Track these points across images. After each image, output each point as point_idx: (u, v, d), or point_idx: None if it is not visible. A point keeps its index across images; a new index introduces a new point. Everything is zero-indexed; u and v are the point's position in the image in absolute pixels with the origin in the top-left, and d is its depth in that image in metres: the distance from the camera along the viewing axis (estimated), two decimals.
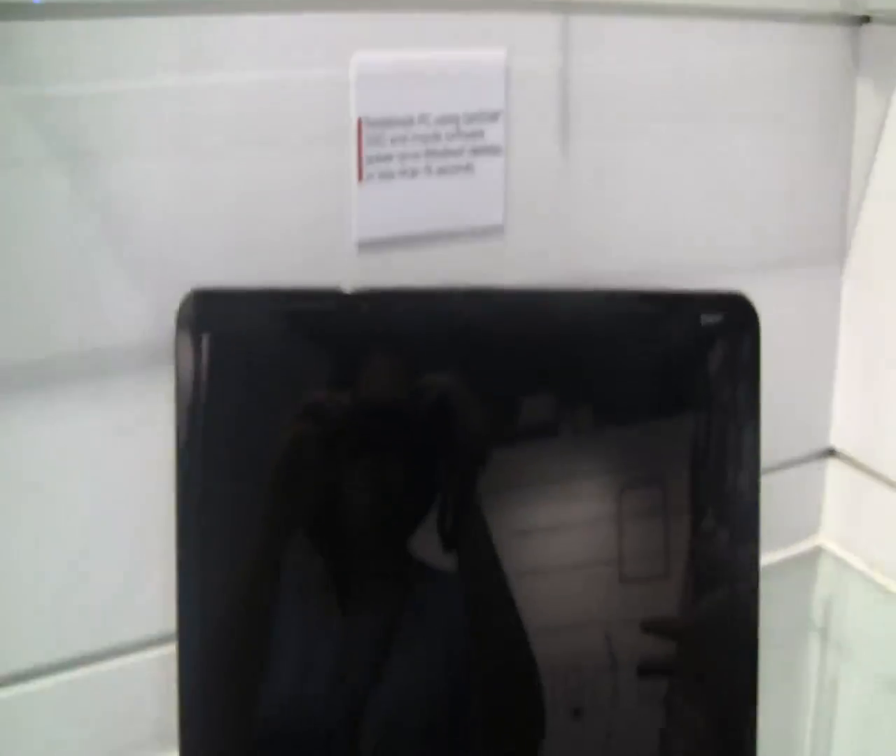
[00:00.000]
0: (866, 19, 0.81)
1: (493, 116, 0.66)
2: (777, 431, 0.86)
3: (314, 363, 0.61)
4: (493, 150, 0.67)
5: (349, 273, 0.64)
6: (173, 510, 0.61)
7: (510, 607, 0.62)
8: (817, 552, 0.93)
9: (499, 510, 0.62)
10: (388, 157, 0.64)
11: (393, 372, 0.61)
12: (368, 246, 0.66)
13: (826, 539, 0.93)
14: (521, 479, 0.62)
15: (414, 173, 0.65)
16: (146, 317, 0.62)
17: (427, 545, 0.61)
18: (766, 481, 0.86)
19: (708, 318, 0.61)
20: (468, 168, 0.67)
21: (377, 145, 0.64)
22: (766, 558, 0.87)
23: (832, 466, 0.92)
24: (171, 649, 0.63)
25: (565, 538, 0.63)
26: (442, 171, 0.66)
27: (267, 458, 0.60)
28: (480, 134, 0.66)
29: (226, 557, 0.61)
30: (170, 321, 0.60)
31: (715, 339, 0.62)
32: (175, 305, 0.60)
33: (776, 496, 0.87)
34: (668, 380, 0.64)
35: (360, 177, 0.64)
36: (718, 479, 0.65)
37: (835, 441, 0.92)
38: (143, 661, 0.68)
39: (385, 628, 0.62)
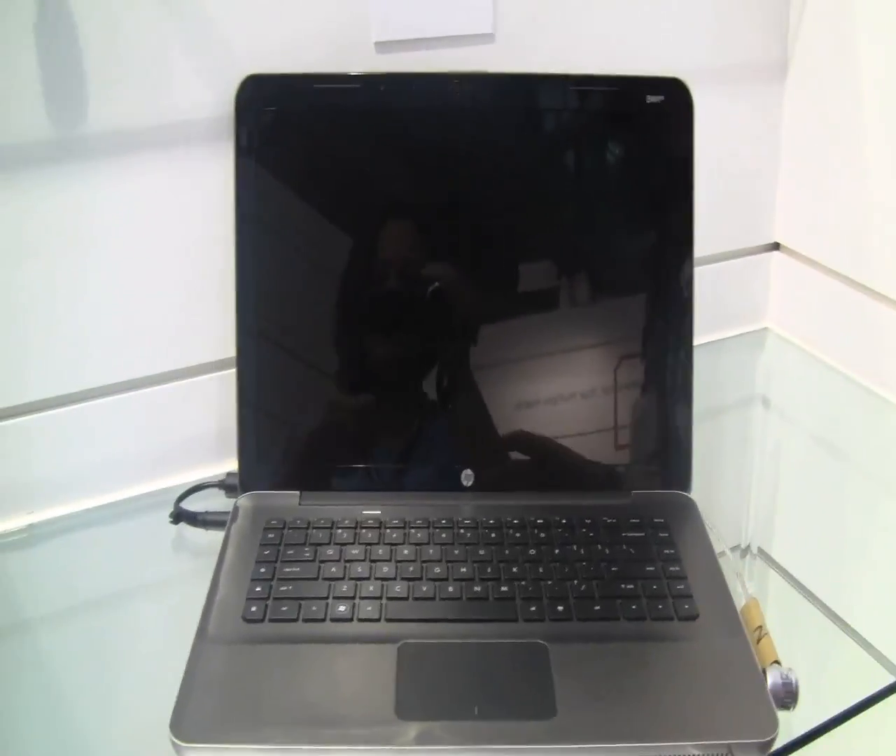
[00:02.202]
0: None
1: None
2: (728, 227, 1.00)
3: (346, 132, 0.75)
4: None
5: (370, 69, 0.79)
6: (232, 256, 0.75)
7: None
8: (764, 333, 1.07)
9: (500, 378, 0.77)
10: None
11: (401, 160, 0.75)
12: (383, 45, 0.80)
13: (771, 321, 1.07)
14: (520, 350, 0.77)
15: None
16: (209, 97, 0.76)
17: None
18: (718, 269, 1.01)
19: (652, 98, 0.75)
20: None
21: None
22: (719, 335, 1.02)
23: (776, 258, 1.05)
24: (229, 373, 0.78)
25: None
26: None
27: (309, 211, 0.75)
28: None
29: (278, 296, 0.76)
30: (228, 102, 0.74)
31: (657, 114, 0.75)
32: (232, 90, 0.74)
33: (728, 283, 1.02)
34: (622, 152, 0.77)
35: None
36: (662, 242, 0.78)
37: (779, 236, 1.04)
38: (206, 382, 0.83)
39: None
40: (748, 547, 0.80)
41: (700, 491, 0.77)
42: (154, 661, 0.68)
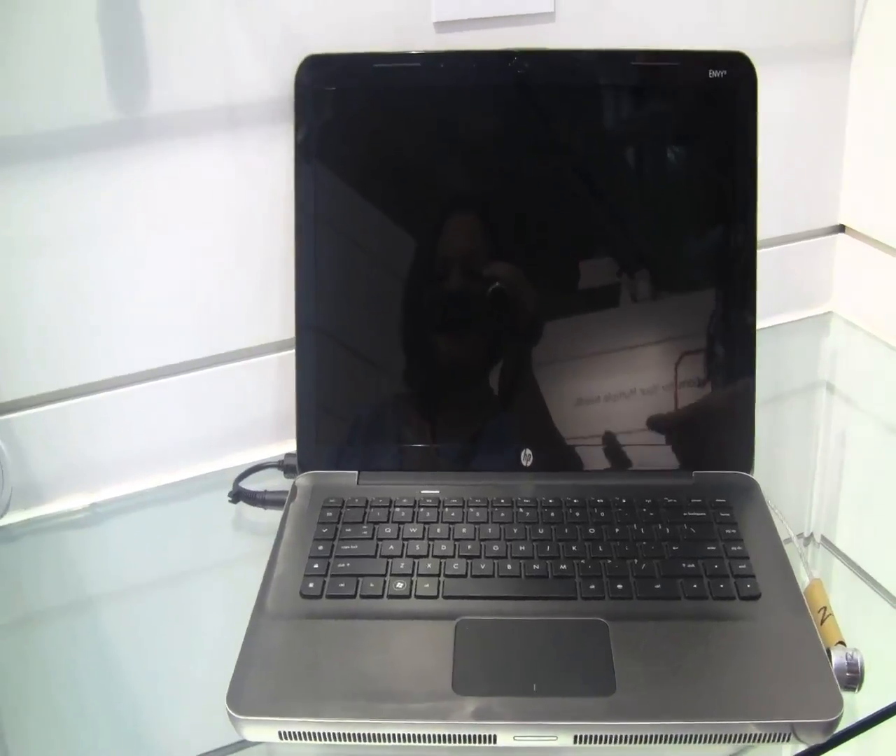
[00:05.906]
0: None
1: None
2: (792, 209, 0.99)
3: (405, 112, 0.75)
4: None
5: (429, 48, 0.79)
6: (292, 238, 0.75)
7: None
8: (828, 316, 1.05)
9: (559, 356, 0.77)
10: None
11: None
12: (443, 25, 0.80)
13: (836, 305, 1.05)
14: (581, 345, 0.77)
15: None
16: (269, 78, 0.77)
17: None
18: (782, 251, 0.99)
19: (715, 73, 0.74)
20: None
21: None
22: (783, 319, 1.01)
23: (842, 240, 1.03)
24: (288, 354, 0.79)
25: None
26: None
27: (367, 192, 0.75)
28: None
29: (337, 277, 0.76)
30: (288, 83, 0.74)
31: (719, 90, 0.74)
32: (292, 71, 0.74)
33: (792, 265, 1.01)
34: (684, 129, 0.76)
35: None
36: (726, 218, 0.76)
37: (844, 218, 1.02)
38: (266, 363, 0.84)
39: None
40: (811, 535, 0.78)
41: (763, 475, 0.76)
42: (212, 637, 0.68)
